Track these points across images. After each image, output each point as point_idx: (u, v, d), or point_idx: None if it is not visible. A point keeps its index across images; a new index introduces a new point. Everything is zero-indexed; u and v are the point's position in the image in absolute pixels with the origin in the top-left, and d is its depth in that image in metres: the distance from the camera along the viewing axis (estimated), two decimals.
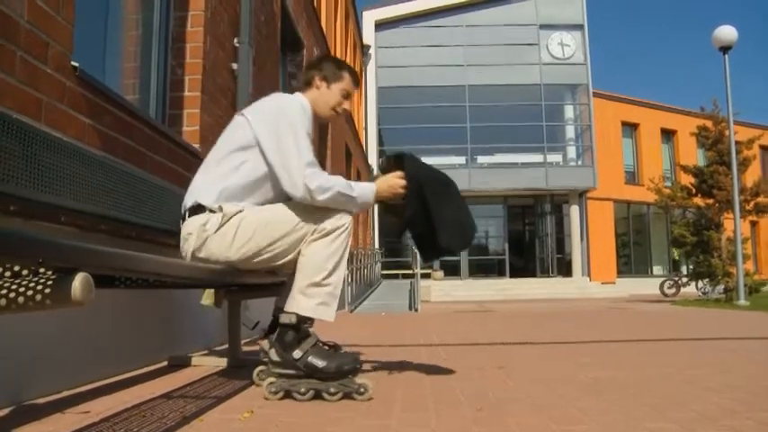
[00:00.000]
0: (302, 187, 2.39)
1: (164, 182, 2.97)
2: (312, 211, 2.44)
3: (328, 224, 2.44)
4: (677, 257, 24.51)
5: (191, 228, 2.46)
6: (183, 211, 2.54)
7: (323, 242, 2.43)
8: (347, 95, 2.77)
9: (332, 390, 2.34)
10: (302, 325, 2.43)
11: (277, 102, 2.64)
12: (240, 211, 2.45)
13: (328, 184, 2.41)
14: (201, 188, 2.51)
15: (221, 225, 2.42)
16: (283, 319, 2.43)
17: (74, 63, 2.55)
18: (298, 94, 2.74)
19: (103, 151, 2.72)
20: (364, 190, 2.55)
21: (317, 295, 2.42)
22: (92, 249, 1.36)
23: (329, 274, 2.43)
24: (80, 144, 2.46)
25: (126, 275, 2.33)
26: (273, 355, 2.42)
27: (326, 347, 2.47)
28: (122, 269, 1.70)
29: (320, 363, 2.37)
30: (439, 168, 2.77)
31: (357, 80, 2.85)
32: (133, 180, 2.55)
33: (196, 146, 3.93)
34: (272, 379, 2.40)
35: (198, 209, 2.46)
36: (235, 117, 2.70)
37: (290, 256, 2.46)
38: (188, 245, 2.47)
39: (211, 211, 2.44)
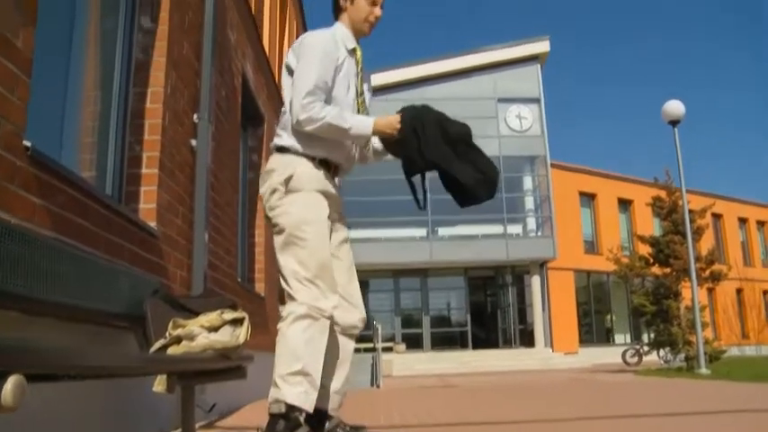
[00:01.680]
0: (295, 115, 2.63)
1: (117, 263, 2.87)
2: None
3: (302, 309, 2.44)
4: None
5: (273, 164, 2.83)
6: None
7: (300, 325, 2.43)
8: (373, 1, 2.86)
9: None
10: (291, 414, 2.37)
11: (304, 38, 2.87)
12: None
13: (319, 115, 2.61)
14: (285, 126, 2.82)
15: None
16: (272, 409, 2.36)
17: (26, 143, 2.48)
18: (331, 27, 2.93)
19: (54, 232, 2.62)
20: (361, 122, 2.71)
21: (300, 384, 2.38)
22: (25, 349, 1.27)
23: (307, 362, 2.41)
24: (29, 225, 2.37)
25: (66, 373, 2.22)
26: None
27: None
28: (60, 367, 1.59)
29: None
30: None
31: None
32: (84, 262, 2.45)
33: (152, 224, 3.84)
34: None
35: (281, 149, 2.81)
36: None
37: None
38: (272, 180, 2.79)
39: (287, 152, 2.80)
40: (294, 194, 2.74)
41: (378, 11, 2.87)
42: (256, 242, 7.99)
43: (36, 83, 2.57)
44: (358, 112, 2.89)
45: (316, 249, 2.65)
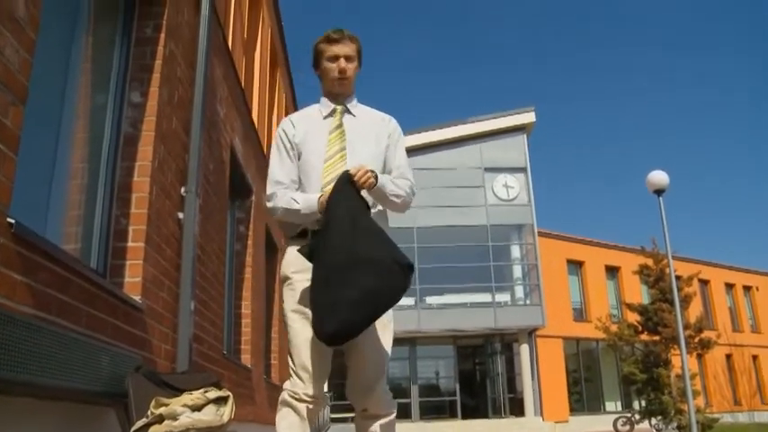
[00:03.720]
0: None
1: (99, 338, 2.83)
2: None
3: (283, 395, 2.49)
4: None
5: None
6: None
7: (281, 413, 2.47)
8: (332, 57, 2.85)
9: None
10: None
11: None
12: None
13: (276, 204, 2.73)
14: None
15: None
16: None
17: (9, 219, 2.47)
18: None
19: (35, 309, 2.59)
20: (308, 200, 2.67)
21: None
22: None
23: None
24: (9, 303, 2.34)
25: None
26: None
27: None
28: None
29: None
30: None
31: (328, 36, 2.88)
32: (63, 339, 2.41)
33: (137, 298, 3.80)
34: None
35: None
36: None
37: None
38: None
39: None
40: (283, 285, 2.81)
41: (335, 67, 2.84)
42: (243, 313, 7.92)
43: (24, 155, 2.58)
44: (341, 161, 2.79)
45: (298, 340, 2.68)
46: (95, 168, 3.96)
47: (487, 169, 27.47)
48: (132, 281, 3.86)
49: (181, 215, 4.65)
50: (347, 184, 2.54)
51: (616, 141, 73.22)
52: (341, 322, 2.36)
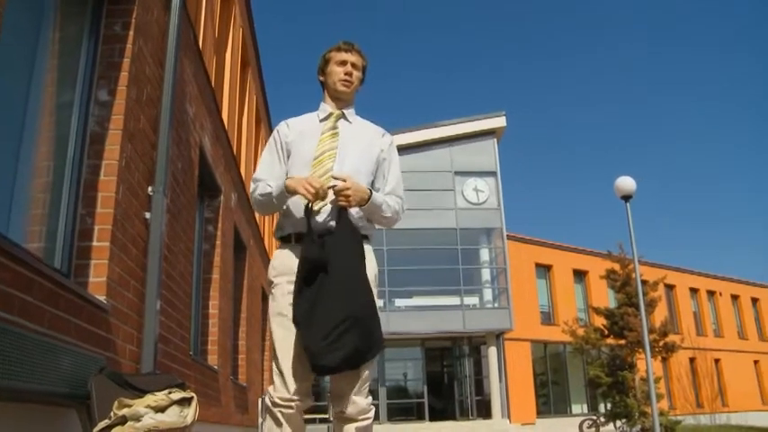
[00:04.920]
0: None
1: (61, 341, 2.80)
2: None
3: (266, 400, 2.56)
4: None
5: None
6: None
7: (264, 419, 2.52)
8: (340, 62, 2.94)
9: None
10: None
11: None
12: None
13: (253, 194, 2.83)
14: None
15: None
16: None
17: None
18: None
19: None
20: (278, 185, 2.73)
21: None
22: None
23: None
24: None
25: None
26: None
27: None
28: None
29: None
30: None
31: (339, 45, 3.00)
32: (23, 340, 2.38)
33: (102, 298, 3.76)
34: None
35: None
36: None
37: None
38: None
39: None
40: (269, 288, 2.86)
41: (342, 70, 2.94)
42: (210, 313, 7.87)
43: None
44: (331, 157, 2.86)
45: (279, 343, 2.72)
46: (61, 167, 3.91)
47: (457, 173, 27.60)
48: (97, 281, 3.82)
49: (148, 215, 4.61)
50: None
51: (586, 147, 74.05)
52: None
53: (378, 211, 2.81)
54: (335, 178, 2.68)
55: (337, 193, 2.64)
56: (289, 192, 2.68)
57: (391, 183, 2.98)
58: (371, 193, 2.75)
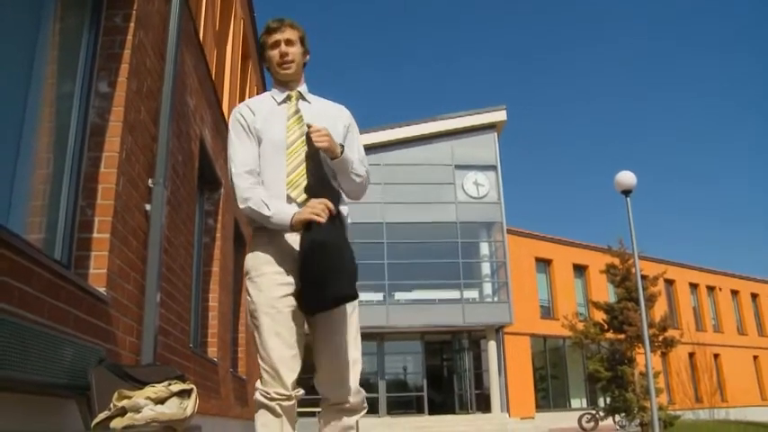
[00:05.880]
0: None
1: (61, 332, 2.80)
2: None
3: (256, 395, 2.52)
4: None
5: None
6: None
7: (257, 413, 2.49)
8: (272, 44, 2.87)
9: None
10: None
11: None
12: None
13: (245, 198, 2.63)
14: None
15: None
16: None
17: None
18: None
19: None
20: (282, 212, 2.59)
21: None
22: None
23: None
24: None
25: None
26: None
27: None
28: None
29: None
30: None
31: (267, 26, 2.92)
32: (23, 330, 2.39)
33: (102, 290, 3.77)
34: None
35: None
36: None
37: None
38: None
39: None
40: (246, 279, 2.77)
41: (276, 53, 2.87)
42: (210, 306, 7.88)
43: None
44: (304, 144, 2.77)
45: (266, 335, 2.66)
46: (61, 158, 3.91)
47: (458, 167, 27.55)
48: (97, 272, 3.82)
49: (148, 207, 4.61)
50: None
51: (586, 141, 73.98)
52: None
53: (349, 167, 2.76)
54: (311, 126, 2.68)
55: (314, 132, 2.63)
56: (294, 230, 2.60)
57: (358, 153, 2.91)
58: (344, 148, 2.74)
